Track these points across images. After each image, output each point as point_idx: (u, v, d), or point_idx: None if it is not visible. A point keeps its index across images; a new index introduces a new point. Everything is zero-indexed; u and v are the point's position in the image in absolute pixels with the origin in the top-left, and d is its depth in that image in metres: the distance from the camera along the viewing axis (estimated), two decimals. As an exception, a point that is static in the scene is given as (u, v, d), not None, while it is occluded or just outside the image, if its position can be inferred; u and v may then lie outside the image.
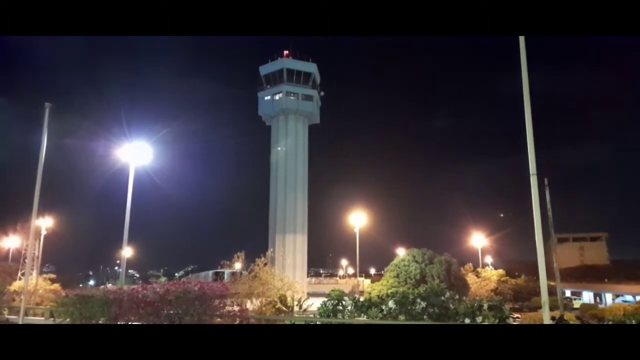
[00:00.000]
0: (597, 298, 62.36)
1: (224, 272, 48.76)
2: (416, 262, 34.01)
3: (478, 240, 50.67)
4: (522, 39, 10.44)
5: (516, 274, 53.67)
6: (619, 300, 51.28)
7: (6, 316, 20.19)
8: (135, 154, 22.88)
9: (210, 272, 52.69)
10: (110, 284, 69.00)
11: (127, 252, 25.75)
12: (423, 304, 17.25)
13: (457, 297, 18.58)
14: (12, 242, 46.86)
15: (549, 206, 19.33)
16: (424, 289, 19.79)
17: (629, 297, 50.15)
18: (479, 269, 46.27)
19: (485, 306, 16.85)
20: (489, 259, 63.03)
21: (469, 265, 45.57)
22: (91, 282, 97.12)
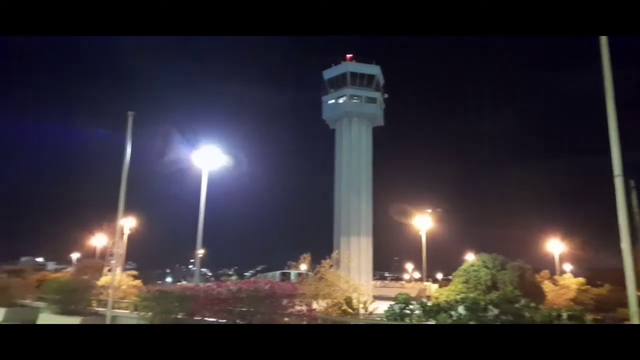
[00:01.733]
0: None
1: (290, 273, 49.67)
2: (487, 267, 32.72)
3: (555, 245, 47.77)
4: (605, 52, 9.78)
5: (598, 282, 49.90)
6: None
7: (95, 308, 21.92)
8: (208, 158, 24.06)
9: (278, 273, 53.80)
10: (185, 281, 72.67)
11: (200, 251, 27.08)
12: (495, 311, 16.57)
13: (532, 305, 17.68)
14: (99, 240, 50.86)
15: (636, 209, 17.82)
16: (496, 295, 19.03)
17: None
18: (556, 277, 43.60)
19: (565, 316, 15.86)
20: (567, 266, 59.19)
21: (545, 272, 43.05)
22: (168, 279, 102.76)
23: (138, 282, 37.11)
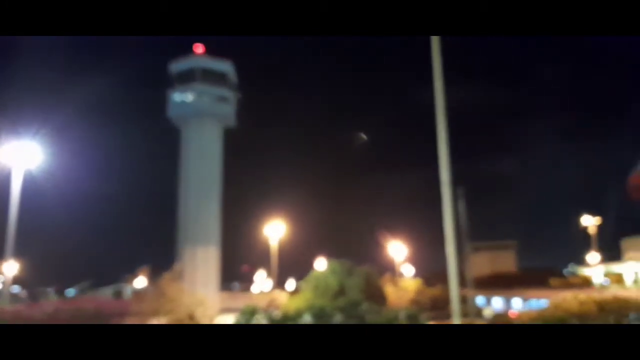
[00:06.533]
0: (507, 304, 67.75)
1: (125, 288, 46.31)
2: (335, 273, 34.71)
3: (397, 250, 52.81)
4: (435, 44, 11.01)
5: (434, 283, 56.65)
6: (524, 305, 56.35)
7: None
8: (22, 155, 21.18)
9: (110, 289, 49.70)
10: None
11: (11, 267, 23.65)
12: (340, 317, 17.74)
13: (374, 308, 19.36)
14: None
15: (462, 215, 20.85)
16: (342, 301, 20.38)
17: (539, 302, 55.19)
18: (397, 279, 48.28)
19: (403, 316, 17.74)
20: (408, 269, 65.93)
21: (388, 276, 47.42)
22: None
23: None
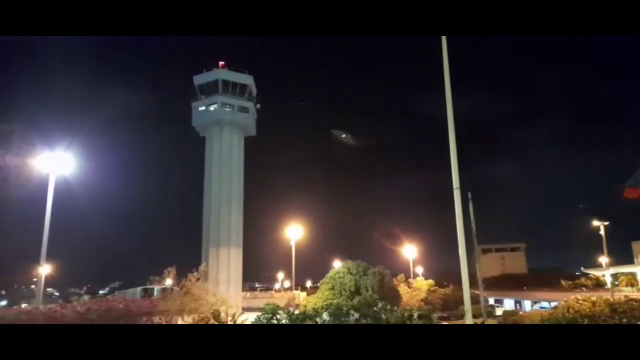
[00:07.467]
0: (517, 305, 66.52)
1: (153, 289, 46.62)
2: (351, 274, 34.59)
3: (409, 251, 52.36)
4: (445, 55, 10.90)
5: (445, 283, 56.05)
6: (536, 306, 55.20)
7: None
8: (55, 164, 21.52)
9: (139, 289, 49.98)
10: (25, 304, 63.36)
11: (45, 269, 24.01)
12: (356, 315, 17.58)
13: (388, 307, 19.13)
14: None
15: (472, 218, 20.52)
16: (358, 300, 20.22)
17: (545, 304, 54.03)
18: (410, 280, 47.81)
19: (416, 315, 17.50)
20: (420, 270, 65.32)
21: (401, 276, 46.99)
22: (2, 303, 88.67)
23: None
